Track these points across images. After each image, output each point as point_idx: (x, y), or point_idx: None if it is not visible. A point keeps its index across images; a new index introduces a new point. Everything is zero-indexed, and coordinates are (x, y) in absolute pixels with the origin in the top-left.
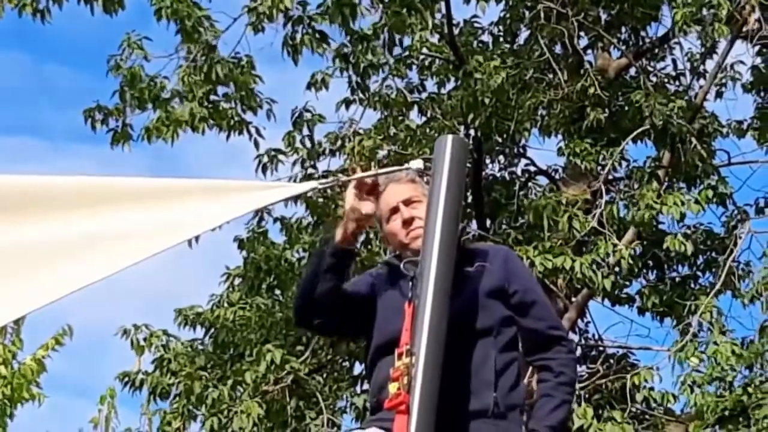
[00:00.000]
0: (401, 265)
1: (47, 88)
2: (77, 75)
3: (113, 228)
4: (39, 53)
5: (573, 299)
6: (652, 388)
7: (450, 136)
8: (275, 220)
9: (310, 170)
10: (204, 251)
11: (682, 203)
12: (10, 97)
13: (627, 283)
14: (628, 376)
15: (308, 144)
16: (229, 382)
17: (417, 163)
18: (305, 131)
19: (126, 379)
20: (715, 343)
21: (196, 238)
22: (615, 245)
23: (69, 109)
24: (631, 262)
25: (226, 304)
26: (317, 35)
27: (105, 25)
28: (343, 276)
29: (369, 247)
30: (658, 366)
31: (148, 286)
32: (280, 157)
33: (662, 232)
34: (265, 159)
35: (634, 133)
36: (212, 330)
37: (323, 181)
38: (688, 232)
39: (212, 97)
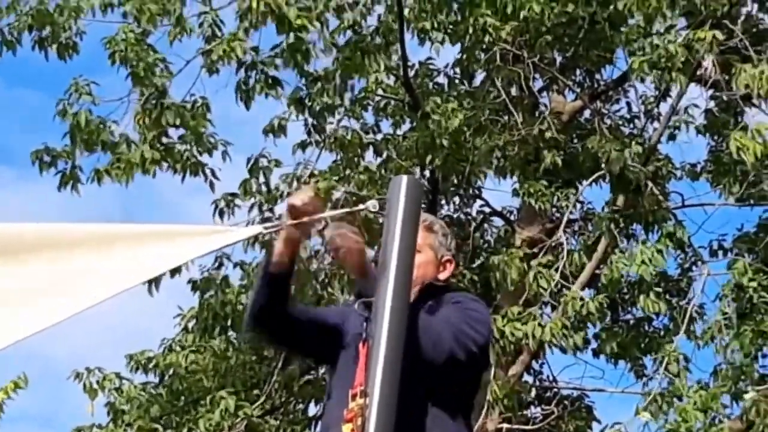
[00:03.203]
0: (355, 305)
1: (17, 112)
2: (47, 99)
3: (56, 277)
4: (9, 77)
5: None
6: None
7: (404, 177)
8: (235, 265)
9: (268, 214)
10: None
11: (650, 260)
12: None
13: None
14: None
15: (264, 190)
16: (184, 430)
17: (372, 204)
18: (261, 178)
19: None
20: (680, 397)
21: (156, 286)
22: (582, 299)
23: (38, 134)
24: (599, 315)
25: (178, 348)
26: (270, 80)
27: (93, 37)
28: (279, 294)
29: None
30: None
31: (126, 321)
32: (237, 201)
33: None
34: (222, 204)
35: (592, 178)
36: (166, 377)
37: (267, 225)
38: (659, 289)
39: (165, 140)
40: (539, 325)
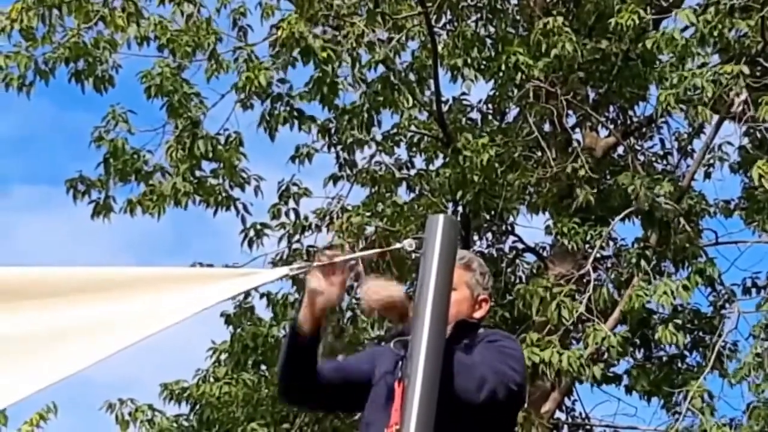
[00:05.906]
0: (391, 344)
1: (70, 136)
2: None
3: (84, 322)
4: (63, 101)
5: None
6: None
7: (441, 216)
8: (261, 296)
9: (296, 245)
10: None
11: (672, 293)
12: (35, 145)
13: (614, 362)
14: None
15: (293, 217)
16: None
17: (409, 243)
18: (291, 204)
19: None
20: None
21: None
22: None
23: (89, 158)
24: (620, 349)
25: (211, 379)
26: (296, 113)
27: (129, 70)
28: (308, 358)
29: (355, 324)
30: None
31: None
32: (266, 230)
33: (650, 311)
34: (252, 233)
35: (622, 215)
36: (197, 406)
37: (293, 266)
38: (678, 321)
39: (198, 173)
40: (557, 352)
